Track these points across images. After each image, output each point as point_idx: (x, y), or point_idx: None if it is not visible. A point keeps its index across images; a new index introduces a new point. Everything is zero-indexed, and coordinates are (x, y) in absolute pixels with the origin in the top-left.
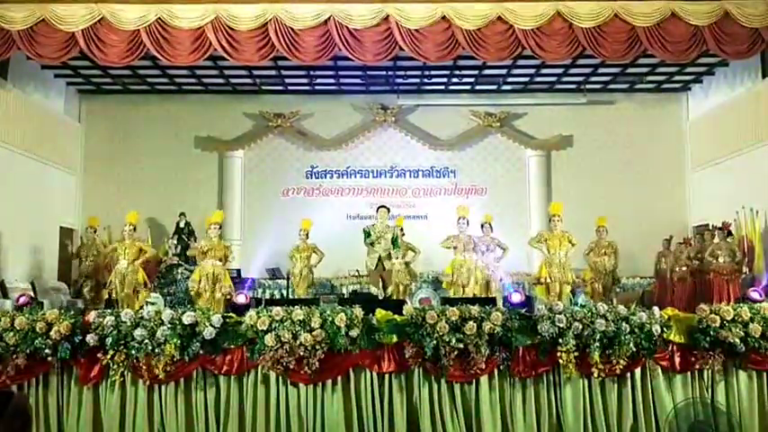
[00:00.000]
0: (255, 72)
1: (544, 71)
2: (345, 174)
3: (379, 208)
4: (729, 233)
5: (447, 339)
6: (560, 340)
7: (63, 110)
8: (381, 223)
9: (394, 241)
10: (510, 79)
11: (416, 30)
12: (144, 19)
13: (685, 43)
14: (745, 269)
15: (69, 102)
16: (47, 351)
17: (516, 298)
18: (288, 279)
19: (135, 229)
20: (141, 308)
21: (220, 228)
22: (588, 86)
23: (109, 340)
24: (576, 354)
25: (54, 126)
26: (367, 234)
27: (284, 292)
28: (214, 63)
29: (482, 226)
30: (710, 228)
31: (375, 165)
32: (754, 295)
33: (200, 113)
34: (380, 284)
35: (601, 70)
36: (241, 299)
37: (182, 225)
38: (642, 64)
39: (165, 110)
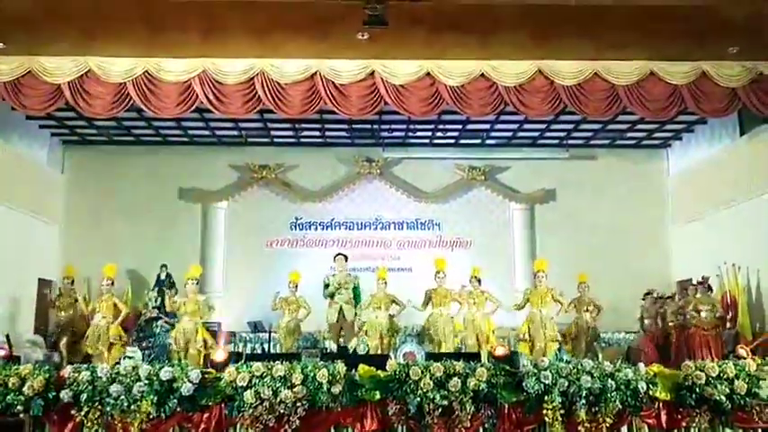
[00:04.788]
0: (241, 124)
1: (527, 126)
2: (330, 225)
3: (336, 256)
4: (710, 288)
5: (431, 396)
6: (546, 397)
7: (47, 160)
8: (340, 273)
9: (355, 291)
10: (493, 134)
11: (401, 85)
12: (131, 72)
13: (664, 101)
14: (728, 324)
15: (53, 152)
16: (19, 407)
17: (501, 351)
18: (270, 333)
19: (113, 283)
20: (117, 363)
21: (197, 283)
22: (570, 142)
23: (83, 396)
24: (561, 411)
25: (37, 177)
26: (326, 285)
27: (266, 347)
28: (200, 115)
29: (470, 280)
30: (693, 283)
31: (360, 217)
32: (742, 352)
33: (184, 164)
34: (339, 338)
35: (582, 126)
36: (220, 356)
37: (163, 277)
38: (623, 121)
39: (150, 161)
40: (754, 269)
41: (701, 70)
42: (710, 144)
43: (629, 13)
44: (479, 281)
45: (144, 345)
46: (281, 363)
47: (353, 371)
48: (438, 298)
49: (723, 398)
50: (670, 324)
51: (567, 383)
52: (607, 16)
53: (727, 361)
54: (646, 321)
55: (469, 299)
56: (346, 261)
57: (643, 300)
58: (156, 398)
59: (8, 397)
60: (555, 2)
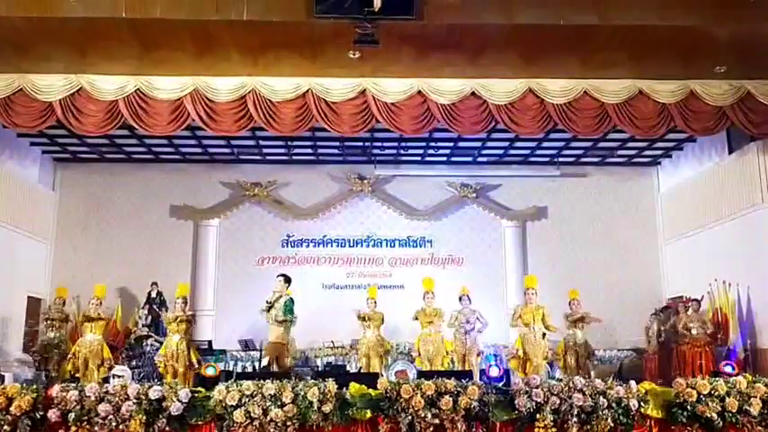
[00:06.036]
0: (233, 142)
1: (518, 144)
2: (322, 243)
3: (277, 277)
4: (699, 305)
5: (422, 415)
6: (538, 415)
7: (38, 178)
8: (278, 292)
9: (285, 307)
10: (485, 151)
11: (393, 103)
12: (123, 90)
13: (653, 120)
14: (719, 341)
15: (44, 170)
16: (6, 427)
17: (494, 372)
18: (260, 351)
19: (101, 303)
20: (107, 382)
21: (186, 302)
22: (561, 159)
23: (71, 416)
24: (553, 429)
25: (27, 194)
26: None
27: (257, 365)
28: (192, 133)
29: (460, 299)
30: (682, 299)
31: (352, 234)
32: (728, 369)
33: (176, 182)
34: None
35: (573, 144)
36: (210, 371)
37: (153, 295)
38: (613, 139)
39: (141, 178)
40: (744, 286)
41: (690, 89)
42: (700, 162)
43: (618, 33)
44: (469, 299)
45: (134, 363)
46: (272, 381)
47: (344, 389)
48: (426, 317)
49: (714, 415)
50: (660, 340)
51: (558, 401)
52: (596, 36)
53: (717, 378)
54: (661, 336)
55: (458, 317)
56: (285, 282)
57: (657, 315)
58: (144, 417)
59: None
60: (544, 21)
